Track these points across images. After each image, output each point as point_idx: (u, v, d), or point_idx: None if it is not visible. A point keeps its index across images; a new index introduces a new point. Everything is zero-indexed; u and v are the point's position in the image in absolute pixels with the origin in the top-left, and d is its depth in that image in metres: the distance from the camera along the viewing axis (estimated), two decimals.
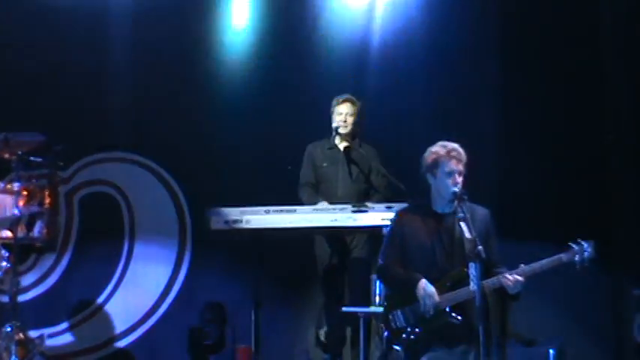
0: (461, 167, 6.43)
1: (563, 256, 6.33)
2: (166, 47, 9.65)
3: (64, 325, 9.51)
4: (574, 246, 6.33)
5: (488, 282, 6.29)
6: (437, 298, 6.35)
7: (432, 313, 6.36)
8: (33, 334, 8.74)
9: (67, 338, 9.49)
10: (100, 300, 9.62)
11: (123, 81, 9.60)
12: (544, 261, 6.32)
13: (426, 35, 9.54)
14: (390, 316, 6.52)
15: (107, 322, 9.55)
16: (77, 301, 9.60)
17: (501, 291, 6.39)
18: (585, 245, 6.32)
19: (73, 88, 9.58)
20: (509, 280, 6.28)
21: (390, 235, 6.69)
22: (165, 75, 9.64)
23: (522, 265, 6.33)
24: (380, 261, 6.69)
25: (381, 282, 7.27)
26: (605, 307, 9.03)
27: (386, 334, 6.62)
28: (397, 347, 6.65)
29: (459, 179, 6.41)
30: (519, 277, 6.28)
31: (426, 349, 6.41)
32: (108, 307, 9.61)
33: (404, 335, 6.45)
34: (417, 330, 6.41)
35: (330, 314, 8.50)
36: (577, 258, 6.31)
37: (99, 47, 9.62)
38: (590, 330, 8.99)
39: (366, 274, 8.03)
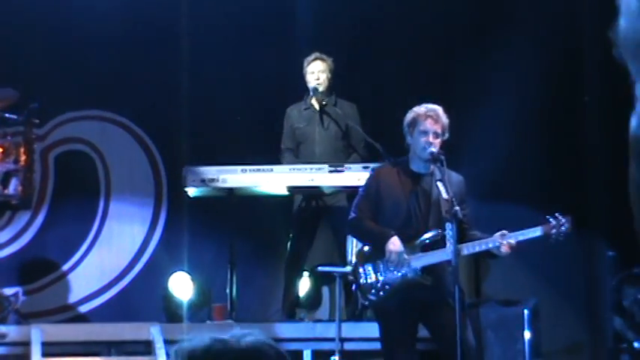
0: (437, 128, 6.36)
1: (539, 230, 6.31)
2: (144, 5, 9.58)
3: (38, 283, 9.47)
4: (551, 220, 6.31)
5: (468, 247, 6.28)
6: (405, 255, 6.29)
7: (396, 268, 6.30)
8: (8, 291, 8.73)
9: (42, 296, 9.45)
10: (75, 258, 9.57)
11: (100, 38, 9.51)
12: (519, 233, 6.29)
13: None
14: (361, 269, 6.46)
15: (82, 280, 9.51)
16: (52, 259, 9.55)
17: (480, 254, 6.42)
18: (563, 220, 6.30)
19: (49, 45, 9.49)
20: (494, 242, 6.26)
21: (365, 189, 6.64)
22: (142, 32, 9.57)
23: (504, 231, 6.28)
24: (352, 214, 6.59)
25: (352, 235, 7.10)
26: (579, 269, 9.10)
27: (354, 287, 6.59)
28: (365, 303, 6.59)
29: (433, 140, 6.33)
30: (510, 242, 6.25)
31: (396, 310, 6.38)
32: (83, 266, 9.56)
33: (373, 291, 6.37)
34: (386, 287, 6.35)
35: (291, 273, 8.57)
36: (554, 232, 6.30)
37: (77, 4, 9.52)
38: (564, 291, 9.05)
39: None
